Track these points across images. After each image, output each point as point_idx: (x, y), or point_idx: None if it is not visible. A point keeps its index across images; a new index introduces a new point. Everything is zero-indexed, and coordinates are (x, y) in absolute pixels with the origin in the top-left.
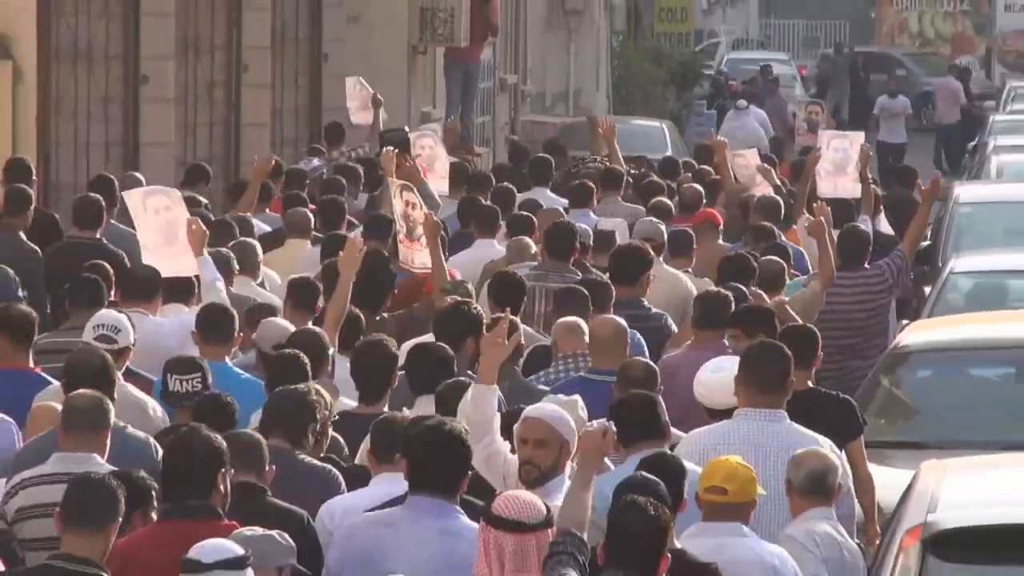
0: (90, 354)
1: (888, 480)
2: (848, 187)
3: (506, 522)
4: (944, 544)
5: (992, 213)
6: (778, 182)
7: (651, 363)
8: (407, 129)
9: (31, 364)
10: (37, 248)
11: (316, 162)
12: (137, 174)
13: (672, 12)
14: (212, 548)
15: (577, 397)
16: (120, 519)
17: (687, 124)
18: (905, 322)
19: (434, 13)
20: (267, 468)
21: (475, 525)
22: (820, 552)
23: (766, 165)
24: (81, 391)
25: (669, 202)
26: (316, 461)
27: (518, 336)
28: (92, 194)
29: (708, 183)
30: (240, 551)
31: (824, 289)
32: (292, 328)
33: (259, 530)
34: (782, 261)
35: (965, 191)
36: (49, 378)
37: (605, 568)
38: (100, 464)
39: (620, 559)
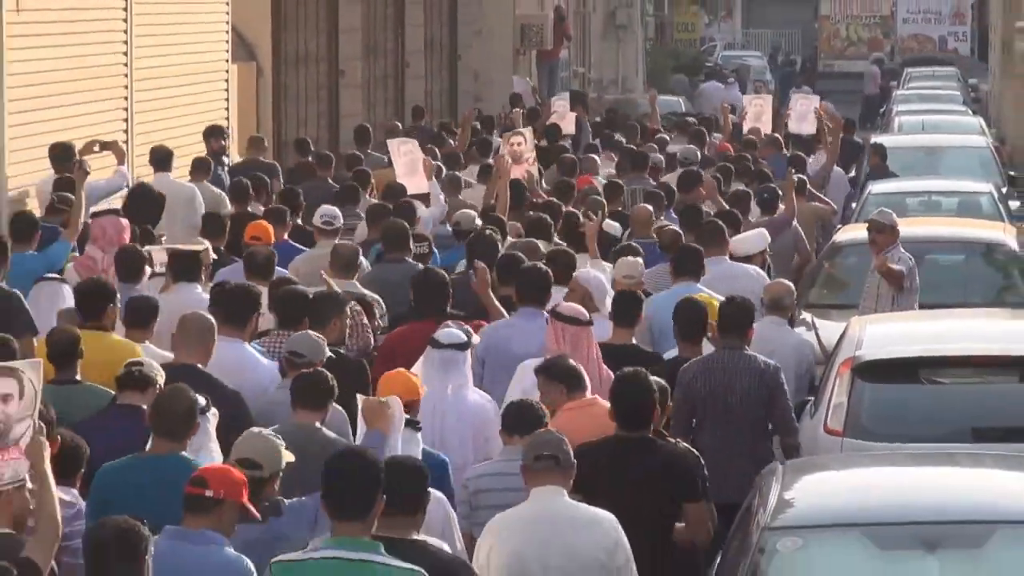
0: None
1: (830, 329)
2: (807, 128)
3: (572, 318)
4: (867, 371)
5: (896, 154)
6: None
7: (677, 229)
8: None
9: (285, 237)
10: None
11: None
12: (398, 123)
13: (685, 25)
14: (448, 334)
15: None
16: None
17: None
18: (840, 226)
19: (530, 27)
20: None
21: None
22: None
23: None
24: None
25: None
26: None
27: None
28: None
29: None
30: (465, 337)
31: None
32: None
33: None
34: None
35: (878, 140)
36: (297, 245)
37: (723, 336)
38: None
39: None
